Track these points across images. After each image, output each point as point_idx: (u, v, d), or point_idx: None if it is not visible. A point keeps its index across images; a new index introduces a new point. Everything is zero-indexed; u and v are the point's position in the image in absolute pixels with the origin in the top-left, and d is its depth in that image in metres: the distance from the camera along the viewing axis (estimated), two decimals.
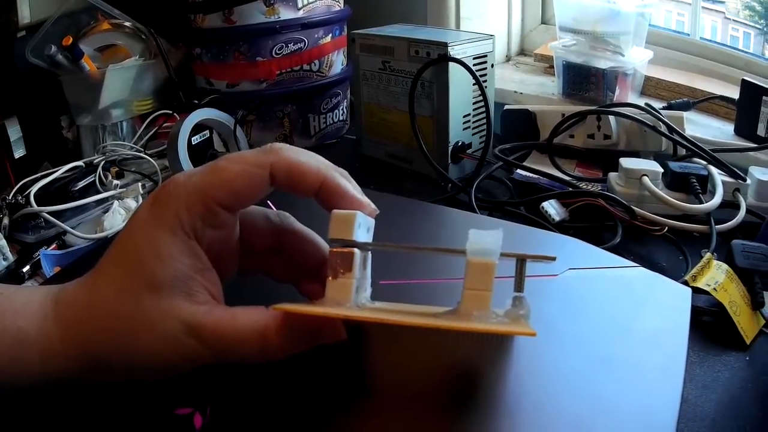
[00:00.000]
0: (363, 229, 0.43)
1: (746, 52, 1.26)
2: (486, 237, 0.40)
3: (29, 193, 1.01)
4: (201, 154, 1.14)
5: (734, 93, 1.13)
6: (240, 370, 0.43)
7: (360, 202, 0.43)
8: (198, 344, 0.39)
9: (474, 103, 1.06)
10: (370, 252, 0.45)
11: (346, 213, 0.42)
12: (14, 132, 1.27)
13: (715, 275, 0.69)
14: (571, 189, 0.93)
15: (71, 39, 1.22)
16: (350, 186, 0.44)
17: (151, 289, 0.39)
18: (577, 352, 0.47)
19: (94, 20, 1.31)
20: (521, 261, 0.43)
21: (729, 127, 1.13)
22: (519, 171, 1.01)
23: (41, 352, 0.39)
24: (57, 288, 0.42)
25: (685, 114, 1.05)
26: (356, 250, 0.41)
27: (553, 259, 0.42)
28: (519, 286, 0.43)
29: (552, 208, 0.89)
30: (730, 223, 0.83)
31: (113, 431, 0.42)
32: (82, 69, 1.26)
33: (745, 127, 1.09)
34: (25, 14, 1.27)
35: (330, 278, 0.41)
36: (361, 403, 0.43)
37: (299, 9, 1.19)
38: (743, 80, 1.09)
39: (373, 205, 0.45)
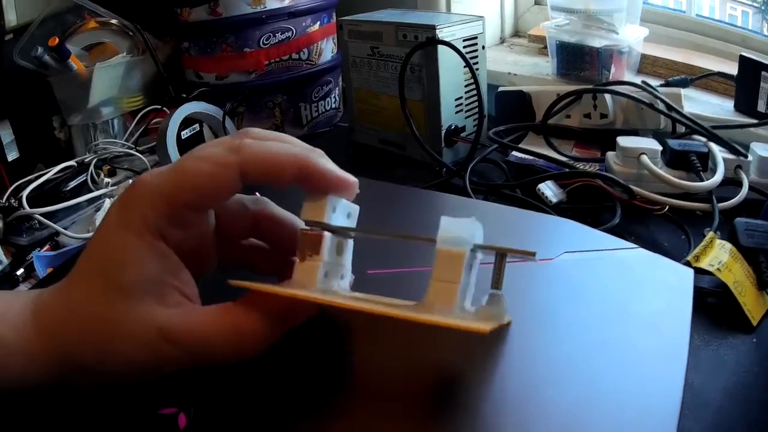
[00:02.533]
0: (341, 214, 0.42)
1: (743, 28, 1.24)
2: (458, 225, 0.38)
3: (21, 195, 1.01)
4: (191, 147, 1.10)
5: (732, 69, 1.11)
6: (224, 369, 0.42)
7: (341, 180, 0.42)
8: (173, 349, 0.38)
9: (466, 86, 1.05)
10: (351, 239, 0.43)
11: (318, 196, 0.41)
12: (6, 135, 1.28)
13: (719, 255, 0.67)
14: (567, 170, 0.91)
15: (57, 39, 1.21)
16: (330, 165, 0.42)
17: (123, 295, 0.38)
18: (573, 338, 0.45)
19: (80, 20, 1.30)
20: (501, 256, 0.41)
21: (729, 104, 1.11)
22: (514, 153, 0.99)
23: (21, 357, 0.39)
24: (37, 293, 0.42)
25: (684, 91, 1.03)
26: (326, 233, 0.41)
27: (533, 254, 0.39)
28: (497, 282, 0.41)
29: (549, 189, 0.87)
30: (732, 201, 0.81)
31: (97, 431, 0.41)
32: (70, 68, 1.25)
33: (745, 103, 1.07)
34: (11, 18, 1.27)
35: (298, 261, 0.41)
36: (347, 401, 0.41)
37: None
38: (741, 56, 1.07)
39: (353, 179, 0.43)
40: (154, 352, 0.38)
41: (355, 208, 0.44)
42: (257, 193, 0.47)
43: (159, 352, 0.38)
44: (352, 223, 0.44)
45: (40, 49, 1.22)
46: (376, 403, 0.40)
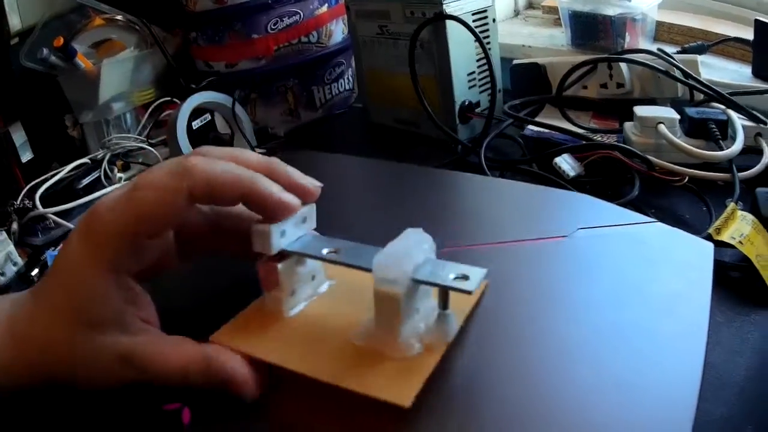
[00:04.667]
0: (293, 228, 0.44)
1: None
2: (393, 259, 0.39)
3: (35, 195, 1.02)
4: (203, 137, 1.14)
5: (749, 34, 1.08)
6: None
7: (282, 204, 0.42)
8: (135, 372, 0.40)
9: (478, 61, 1.03)
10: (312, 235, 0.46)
11: (262, 227, 0.42)
12: (19, 137, 1.28)
13: (740, 227, 0.65)
14: (584, 142, 0.89)
15: (62, 40, 1.22)
16: (274, 188, 0.42)
17: (87, 327, 0.40)
18: (586, 321, 0.44)
19: (85, 18, 1.31)
20: (444, 291, 0.41)
21: (746, 69, 1.08)
22: (530, 127, 0.98)
23: None
24: (17, 297, 0.44)
25: (701, 58, 1.00)
26: (279, 265, 0.43)
27: (470, 293, 0.38)
28: (443, 305, 0.41)
29: (565, 163, 0.85)
30: (753, 170, 0.78)
31: (101, 429, 0.41)
32: (78, 67, 1.26)
33: (763, 69, 1.04)
34: (15, 22, 1.28)
35: (265, 291, 0.44)
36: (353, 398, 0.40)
37: None
38: (756, 20, 1.04)
39: (294, 201, 0.43)
40: (117, 376, 0.40)
41: (308, 210, 0.45)
42: None
43: (122, 375, 0.40)
44: (309, 225, 0.46)
45: (45, 51, 1.23)
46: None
